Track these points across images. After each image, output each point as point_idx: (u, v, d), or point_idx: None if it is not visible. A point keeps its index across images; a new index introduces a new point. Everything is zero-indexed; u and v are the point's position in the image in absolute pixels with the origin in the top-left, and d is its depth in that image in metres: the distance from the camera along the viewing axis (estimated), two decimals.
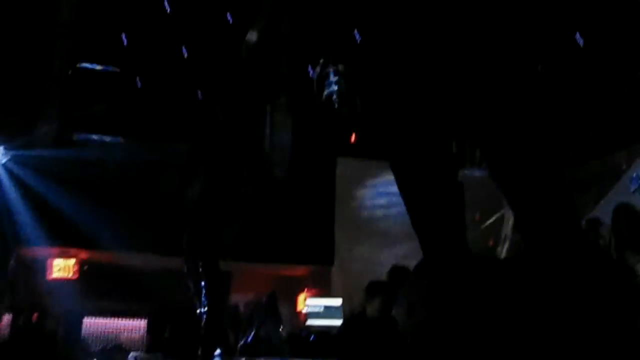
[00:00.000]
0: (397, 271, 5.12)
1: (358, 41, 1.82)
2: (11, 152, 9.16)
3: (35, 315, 8.23)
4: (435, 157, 1.79)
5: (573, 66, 8.48)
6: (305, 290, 10.77)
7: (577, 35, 7.70)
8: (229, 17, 9.92)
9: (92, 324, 9.86)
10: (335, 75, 2.06)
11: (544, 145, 1.72)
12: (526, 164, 1.70)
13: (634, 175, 6.23)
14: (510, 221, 4.40)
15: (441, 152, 1.80)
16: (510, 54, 1.71)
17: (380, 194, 9.72)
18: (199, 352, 4.42)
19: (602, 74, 8.04)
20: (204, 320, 4.54)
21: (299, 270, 10.83)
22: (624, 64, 7.47)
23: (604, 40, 8.04)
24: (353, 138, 10.25)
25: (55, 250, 9.54)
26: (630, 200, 5.69)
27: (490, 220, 7.46)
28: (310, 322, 9.69)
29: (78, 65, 9.57)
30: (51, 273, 9.72)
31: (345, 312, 8.84)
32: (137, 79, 9.74)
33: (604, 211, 5.60)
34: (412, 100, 1.75)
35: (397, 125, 1.79)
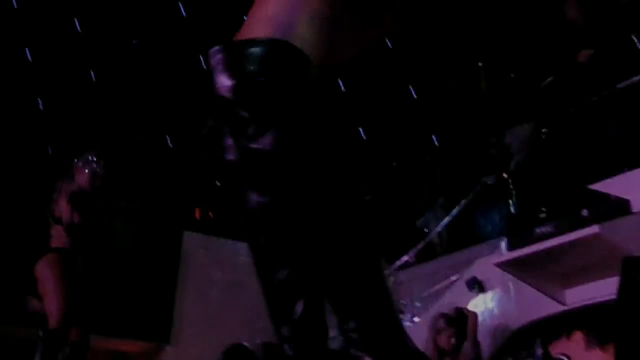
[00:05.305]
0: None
1: None
2: None
3: None
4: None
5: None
6: None
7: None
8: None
9: None
10: None
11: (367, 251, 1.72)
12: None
13: (472, 276, 6.44)
14: None
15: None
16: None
17: (230, 274, 9.55)
18: None
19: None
20: None
21: (132, 346, 10.32)
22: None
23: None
24: (198, 214, 10.13)
25: None
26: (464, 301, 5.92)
27: None
28: None
29: None
30: None
31: None
32: None
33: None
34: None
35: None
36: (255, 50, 1.61)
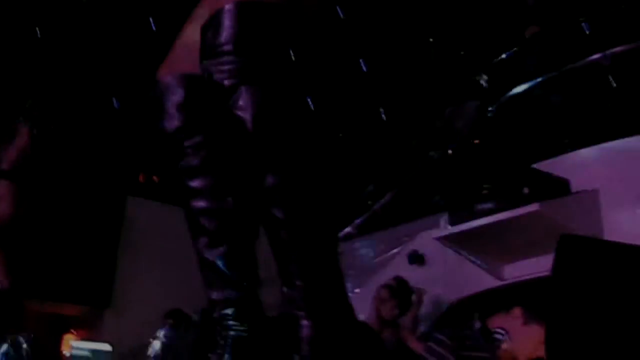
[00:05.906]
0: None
1: None
2: None
3: None
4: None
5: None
6: (72, 331, 10.15)
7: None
8: None
9: None
10: None
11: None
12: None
13: (412, 249, 6.51)
14: None
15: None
16: None
17: (173, 240, 9.47)
18: None
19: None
20: None
21: (72, 310, 10.19)
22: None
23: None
24: (142, 178, 10.01)
25: None
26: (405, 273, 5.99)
27: None
28: None
29: None
30: None
31: (115, 358, 8.54)
32: None
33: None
34: None
35: None
36: (226, 18, 1.61)
